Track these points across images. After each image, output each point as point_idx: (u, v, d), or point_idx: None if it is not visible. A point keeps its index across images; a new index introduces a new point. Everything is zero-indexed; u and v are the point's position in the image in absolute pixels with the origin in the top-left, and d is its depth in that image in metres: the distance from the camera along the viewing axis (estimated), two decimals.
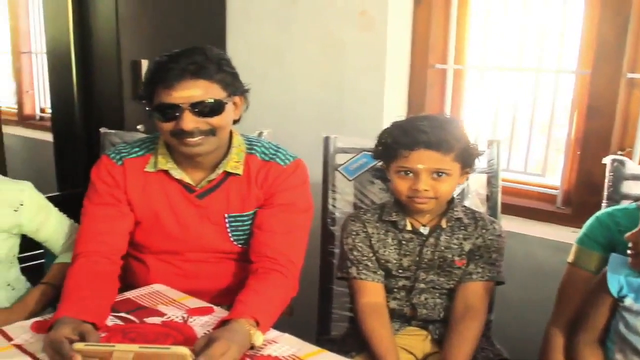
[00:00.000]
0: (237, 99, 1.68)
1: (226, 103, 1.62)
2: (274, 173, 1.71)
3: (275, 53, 2.73)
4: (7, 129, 3.94)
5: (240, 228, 1.74)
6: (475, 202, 2.00)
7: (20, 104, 4.17)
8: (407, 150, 1.63)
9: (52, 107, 3.09)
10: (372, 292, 1.72)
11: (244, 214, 1.72)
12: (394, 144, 1.66)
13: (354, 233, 1.75)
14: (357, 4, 2.44)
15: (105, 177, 1.70)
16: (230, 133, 1.73)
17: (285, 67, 2.71)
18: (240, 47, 2.83)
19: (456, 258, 1.71)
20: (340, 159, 2.05)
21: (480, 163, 1.93)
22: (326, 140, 2.07)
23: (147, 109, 1.64)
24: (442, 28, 2.46)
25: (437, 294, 1.74)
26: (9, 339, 1.34)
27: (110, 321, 1.42)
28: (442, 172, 1.63)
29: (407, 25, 2.46)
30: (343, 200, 2.04)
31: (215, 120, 1.60)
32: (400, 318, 1.76)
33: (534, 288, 2.17)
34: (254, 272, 1.63)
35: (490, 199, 2.01)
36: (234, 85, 1.65)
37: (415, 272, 1.72)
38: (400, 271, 1.73)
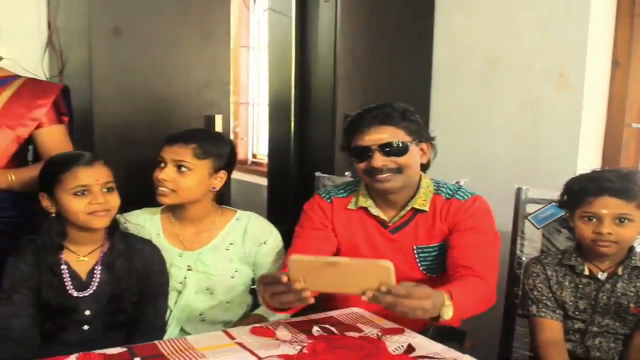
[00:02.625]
0: (424, 145, 2.12)
1: (410, 146, 2.05)
2: (455, 207, 2.10)
3: (476, 109, 3.13)
4: None
5: (427, 258, 2.13)
6: None
7: (236, 150, 4.97)
8: (592, 196, 1.93)
9: (270, 152, 3.72)
10: (552, 329, 2.01)
11: (430, 245, 2.10)
12: (580, 191, 1.98)
13: (535, 274, 2.07)
14: (556, 66, 2.77)
15: (317, 210, 2.20)
16: (420, 176, 2.16)
17: (484, 123, 3.10)
18: (444, 103, 3.28)
19: (632, 305, 1.95)
20: (530, 208, 2.38)
21: None
22: (518, 190, 2.41)
23: (348, 154, 2.13)
24: (639, 88, 2.74)
25: (612, 339, 1.99)
26: (232, 337, 1.79)
27: (316, 332, 1.82)
28: (624, 218, 1.91)
29: (604, 85, 2.74)
30: (530, 247, 2.36)
31: (401, 160, 2.04)
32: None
33: None
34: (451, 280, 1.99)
35: None
36: (419, 133, 2.08)
37: (591, 316, 1.99)
38: (576, 313, 2.00)
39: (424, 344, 1.77)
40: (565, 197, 2.06)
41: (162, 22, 2.68)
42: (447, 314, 1.76)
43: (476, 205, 2.12)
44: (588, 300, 2.01)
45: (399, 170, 2.06)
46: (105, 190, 1.98)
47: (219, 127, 2.74)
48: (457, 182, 2.50)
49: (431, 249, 2.13)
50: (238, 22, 4.81)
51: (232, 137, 4.98)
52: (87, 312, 2.00)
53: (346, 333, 1.83)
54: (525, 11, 2.91)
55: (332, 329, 1.85)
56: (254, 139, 5.03)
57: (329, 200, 2.23)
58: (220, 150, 2.21)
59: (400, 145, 2.05)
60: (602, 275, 2.01)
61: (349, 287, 1.62)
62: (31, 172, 2.31)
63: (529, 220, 2.39)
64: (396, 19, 3.19)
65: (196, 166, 2.13)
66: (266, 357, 1.65)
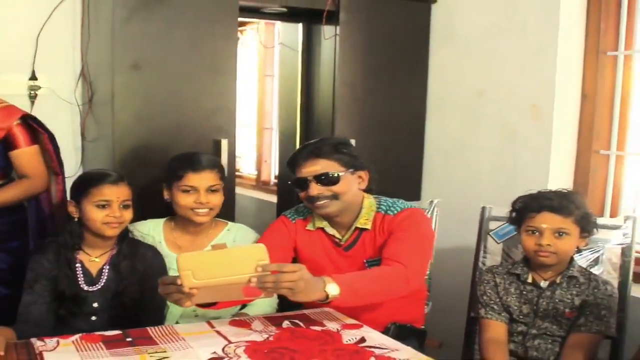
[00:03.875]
0: (361, 173, 2.41)
1: (343, 175, 2.33)
2: (388, 221, 2.38)
3: (462, 136, 3.43)
4: (247, 192, 5.07)
5: None
6: (607, 268, 2.51)
7: (259, 171, 5.29)
8: (535, 212, 2.23)
9: (279, 173, 4.08)
10: (496, 330, 2.28)
11: (378, 258, 2.35)
12: (525, 208, 2.27)
13: (486, 281, 2.35)
14: (529, 99, 3.06)
15: (281, 227, 2.51)
16: (363, 198, 2.43)
17: (469, 148, 3.40)
18: (436, 130, 3.59)
19: (567, 310, 2.21)
20: (493, 225, 2.69)
21: (616, 237, 2.51)
22: (483, 209, 2.71)
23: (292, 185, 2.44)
24: (606, 117, 2.97)
25: (550, 340, 2.25)
26: (212, 327, 2.10)
27: (285, 325, 2.11)
28: (562, 232, 2.20)
29: (574, 116, 3.01)
30: (491, 260, 2.63)
31: (335, 188, 2.33)
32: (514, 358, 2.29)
33: None
34: None
35: (622, 268, 2.47)
36: (352, 163, 2.37)
37: (532, 319, 2.26)
38: (520, 317, 2.27)
39: (376, 337, 2.06)
40: (513, 213, 2.35)
41: (176, 58, 2.99)
42: (331, 288, 1.99)
43: (403, 216, 2.39)
44: (530, 305, 2.28)
45: (334, 197, 2.35)
46: (122, 206, 2.35)
47: (225, 150, 3.05)
48: (431, 202, 2.80)
49: (379, 261, 2.37)
50: (264, 54, 5.13)
51: (256, 158, 5.33)
52: (95, 305, 2.35)
53: (311, 327, 2.13)
54: (503, 49, 3.21)
55: (300, 323, 2.16)
56: (277, 161, 5.32)
57: (293, 221, 2.53)
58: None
59: (335, 175, 2.34)
60: (543, 283, 2.28)
61: (234, 273, 1.87)
62: (10, 193, 2.75)
63: (490, 235, 2.67)
64: (392, 54, 3.51)
65: (222, 185, 2.54)
66: (236, 342, 1.97)
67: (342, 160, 2.37)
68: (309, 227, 2.50)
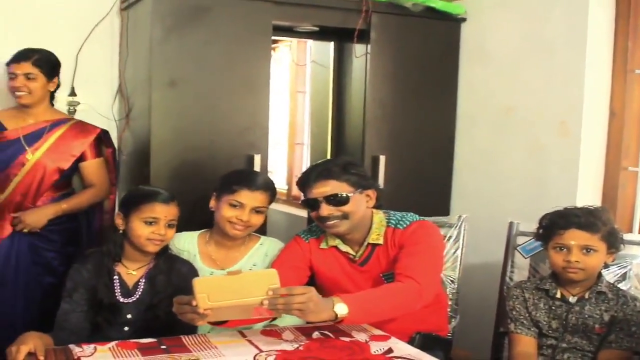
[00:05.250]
0: (369, 192, 2.45)
1: (353, 195, 2.38)
2: (398, 235, 2.42)
3: (491, 153, 3.47)
4: (278, 207, 5.13)
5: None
6: (635, 284, 2.51)
7: (289, 186, 5.36)
8: (562, 229, 2.25)
9: None
10: (525, 344, 2.30)
11: (393, 271, 2.38)
12: (552, 225, 2.30)
13: (514, 297, 2.38)
14: (558, 116, 3.10)
15: (296, 248, 2.56)
16: (372, 214, 2.48)
17: (498, 165, 3.44)
18: (466, 147, 3.63)
19: (597, 325, 2.23)
20: (521, 240, 2.73)
21: None
22: (510, 224, 2.75)
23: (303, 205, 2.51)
24: (634, 134, 2.99)
25: (580, 355, 2.27)
26: (244, 336, 2.17)
27: (315, 335, 2.16)
28: (590, 249, 2.22)
29: (602, 133, 3.04)
30: (519, 274, 2.66)
31: (345, 208, 2.38)
32: None
33: None
34: None
35: None
36: (360, 183, 2.42)
37: (562, 334, 2.28)
38: (549, 331, 2.29)
39: (403, 348, 2.10)
40: (541, 230, 2.38)
41: (210, 76, 3.08)
42: (340, 308, 2.03)
43: (412, 229, 2.43)
44: (559, 320, 2.30)
45: (344, 216, 2.40)
46: (168, 225, 2.42)
47: (257, 165, 3.12)
48: (459, 217, 2.84)
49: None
50: (296, 70, 5.21)
51: (287, 173, 5.40)
52: (129, 316, 2.41)
53: (340, 338, 2.18)
54: (532, 67, 3.25)
55: (329, 333, 2.20)
56: None
57: (307, 241, 2.58)
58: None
59: (343, 196, 2.39)
60: (572, 299, 2.29)
61: (246, 296, 1.96)
62: (79, 200, 3.15)
63: (518, 250, 2.70)
64: (422, 71, 3.56)
65: (267, 208, 2.63)
66: (267, 351, 2.02)
67: (351, 181, 2.42)
68: (323, 245, 2.55)
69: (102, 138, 3.27)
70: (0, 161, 3.05)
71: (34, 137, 3.08)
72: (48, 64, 3.09)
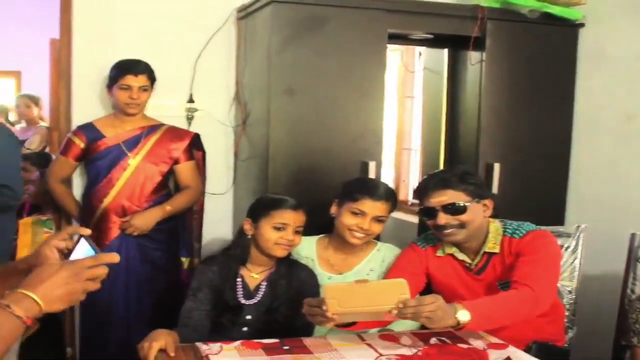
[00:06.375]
0: (486, 201, 2.49)
1: (470, 205, 2.42)
2: (515, 244, 2.45)
3: (612, 161, 3.44)
4: None
5: None
6: None
7: (397, 191, 5.42)
8: None
9: None
10: None
11: (509, 280, 2.40)
12: None
13: (638, 310, 2.39)
14: None
15: (413, 255, 2.64)
16: (488, 223, 2.51)
17: (618, 173, 3.40)
18: (583, 154, 3.60)
19: None
20: None
21: None
22: (632, 235, 2.72)
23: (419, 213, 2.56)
24: None
25: None
26: (363, 340, 2.25)
27: (433, 341, 2.23)
28: None
29: None
30: None
31: (462, 217, 2.43)
32: None
33: None
34: None
35: None
36: (477, 193, 2.46)
37: None
38: None
39: (522, 357, 2.14)
40: None
41: (326, 84, 3.18)
42: (462, 315, 2.09)
43: (529, 238, 2.46)
44: None
45: (461, 225, 2.44)
46: (295, 231, 2.55)
47: (372, 172, 3.20)
48: (577, 227, 2.84)
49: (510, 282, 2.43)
50: (404, 75, 5.27)
51: (394, 178, 5.47)
52: (248, 317, 2.54)
53: (457, 344, 2.23)
54: None
55: (447, 340, 2.26)
56: (415, 182, 5.43)
57: (424, 248, 2.65)
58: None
59: (462, 205, 2.44)
60: None
61: (375, 304, 2.03)
62: (179, 201, 3.40)
63: None
64: (538, 78, 3.54)
65: (388, 217, 2.72)
66: (386, 355, 2.10)
67: (468, 190, 2.47)
68: (439, 253, 2.61)
69: (194, 142, 3.49)
70: (103, 167, 3.31)
71: (133, 143, 3.33)
72: (154, 76, 3.34)
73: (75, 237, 1.62)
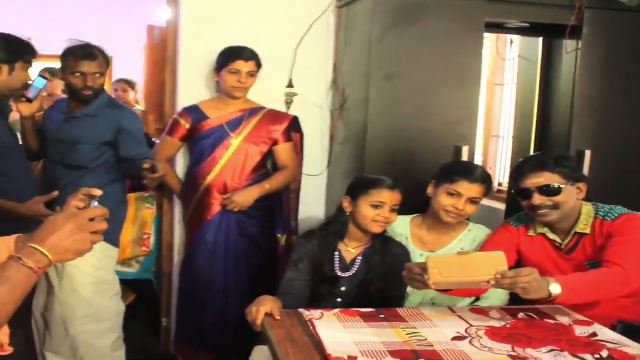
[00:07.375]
0: (580, 184, 2.62)
1: (564, 187, 2.55)
2: (606, 226, 2.57)
3: None
4: None
5: None
6: None
7: None
8: None
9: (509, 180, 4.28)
10: None
11: (598, 261, 2.53)
12: None
13: None
14: None
15: (506, 233, 2.82)
16: (581, 205, 2.64)
17: None
18: None
19: None
20: None
21: None
22: None
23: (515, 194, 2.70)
24: None
25: None
26: (454, 312, 2.37)
27: (520, 316, 2.36)
28: None
29: None
30: None
31: (556, 198, 2.57)
32: None
33: None
34: None
35: None
36: (572, 176, 2.59)
37: None
38: None
39: (607, 333, 2.26)
40: None
41: (424, 70, 3.34)
42: (554, 287, 2.25)
43: (621, 221, 2.57)
44: None
45: (555, 206, 2.58)
46: (391, 209, 2.74)
47: (464, 156, 3.34)
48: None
49: (599, 263, 2.54)
50: (495, 63, 5.33)
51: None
52: (343, 288, 2.75)
53: (544, 319, 2.38)
54: None
55: (534, 315, 2.41)
56: (502, 168, 5.50)
57: (516, 227, 2.81)
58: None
59: (556, 187, 2.57)
60: None
61: (474, 275, 2.20)
62: (277, 180, 3.62)
63: None
64: (635, 66, 3.60)
65: (481, 199, 2.87)
66: (477, 325, 2.27)
67: (563, 173, 2.60)
68: (531, 232, 2.76)
69: (293, 124, 3.70)
70: (207, 146, 3.56)
71: (235, 124, 3.57)
72: (260, 62, 3.58)
73: (88, 199, 1.67)
